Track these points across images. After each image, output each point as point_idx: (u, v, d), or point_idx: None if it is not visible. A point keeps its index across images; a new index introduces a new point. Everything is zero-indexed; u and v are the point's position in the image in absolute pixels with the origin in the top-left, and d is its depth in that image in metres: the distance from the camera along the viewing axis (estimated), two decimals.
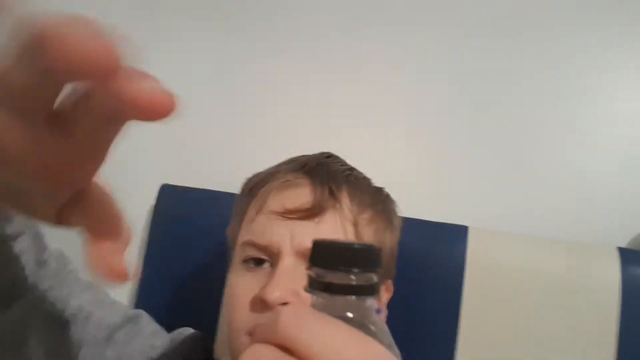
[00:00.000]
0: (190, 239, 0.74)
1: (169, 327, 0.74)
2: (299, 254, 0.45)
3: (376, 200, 0.52)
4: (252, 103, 0.87)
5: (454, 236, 0.66)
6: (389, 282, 0.55)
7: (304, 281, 0.42)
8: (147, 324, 0.58)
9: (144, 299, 0.77)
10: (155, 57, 0.85)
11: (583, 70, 0.78)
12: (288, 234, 0.46)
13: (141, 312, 0.59)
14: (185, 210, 0.77)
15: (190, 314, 0.73)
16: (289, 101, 0.86)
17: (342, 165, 0.53)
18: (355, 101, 0.83)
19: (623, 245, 0.71)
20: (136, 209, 0.84)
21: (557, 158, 0.77)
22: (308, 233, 0.45)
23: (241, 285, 0.48)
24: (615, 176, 0.74)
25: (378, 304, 0.49)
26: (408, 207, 0.69)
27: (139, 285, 0.78)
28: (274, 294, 0.42)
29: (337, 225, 0.47)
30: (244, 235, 0.50)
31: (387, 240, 0.52)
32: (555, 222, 0.74)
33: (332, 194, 0.48)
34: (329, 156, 0.54)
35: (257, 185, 0.52)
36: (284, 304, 0.42)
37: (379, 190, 0.55)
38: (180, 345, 0.56)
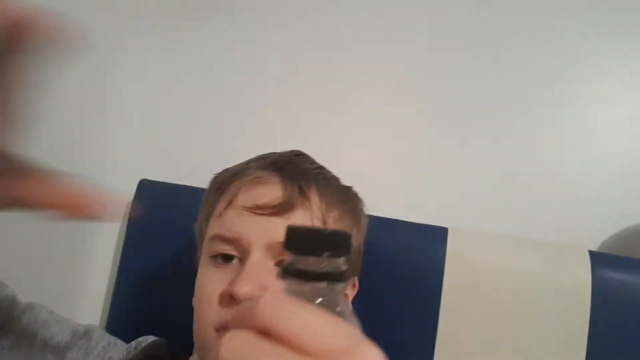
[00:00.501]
0: (169, 234, 0.74)
1: (146, 323, 0.73)
2: (268, 249, 0.46)
3: (344, 199, 0.53)
4: (232, 100, 0.86)
5: (434, 237, 0.67)
6: (355, 279, 0.56)
7: (272, 276, 0.42)
8: (100, 337, 0.57)
9: (122, 293, 0.76)
10: (134, 53, 0.85)
11: (562, 75, 0.80)
12: (258, 229, 0.46)
13: (92, 326, 0.58)
14: (164, 206, 0.76)
15: (167, 309, 0.73)
16: (268, 99, 0.85)
17: (311, 164, 0.54)
18: (336, 101, 0.83)
19: (595, 248, 0.73)
20: (114, 204, 0.82)
21: (534, 162, 0.78)
22: (277, 229, 0.45)
23: (209, 281, 0.47)
24: (591, 180, 0.77)
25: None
26: (389, 208, 0.70)
27: (115, 280, 0.77)
28: (243, 289, 0.42)
29: (306, 222, 0.47)
30: (212, 230, 0.50)
31: (355, 239, 0.53)
32: (531, 223, 0.76)
33: (302, 192, 0.49)
34: (298, 154, 0.55)
35: (226, 181, 0.52)
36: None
37: (347, 189, 0.56)
38: (139, 354, 0.55)
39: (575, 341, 0.62)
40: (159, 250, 0.74)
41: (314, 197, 0.49)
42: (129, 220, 0.78)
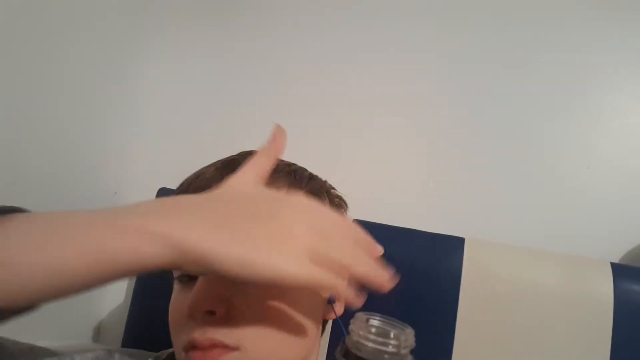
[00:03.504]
0: None
1: (163, 332, 0.74)
2: None
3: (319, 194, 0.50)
4: (253, 107, 0.87)
5: (450, 247, 0.67)
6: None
7: (232, 286, 0.40)
8: None
9: (139, 303, 0.76)
10: (152, 62, 0.86)
11: (583, 81, 0.79)
12: None
13: (111, 349, 0.54)
14: None
15: None
16: (289, 105, 0.86)
17: (281, 161, 0.50)
18: (355, 112, 0.84)
19: (616, 260, 0.72)
20: None
21: (556, 172, 0.77)
22: None
23: (175, 301, 0.45)
24: (612, 191, 0.75)
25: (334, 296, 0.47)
26: (406, 218, 0.69)
27: (134, 288, 0.78)
28: (194, 303, 0.39)
29: None
30: None
31: None
32: (551, 234, 0.75)
33: None
34: (250, 152, 0.49)
35: (184, 191, 0.49)
36: (210, 311, 0.39)
37: (319, 181, 0.53)
38: None
39: (597, 354, 0.61)
40: None
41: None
42: None
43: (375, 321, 0.36)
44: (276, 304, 0.42)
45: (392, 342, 0.34)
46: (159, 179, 0.82)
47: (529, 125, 0.79)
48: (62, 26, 0.67)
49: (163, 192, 0.79)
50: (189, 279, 0.45)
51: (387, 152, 0.81)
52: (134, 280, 0.79)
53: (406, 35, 0.84)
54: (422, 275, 0.65)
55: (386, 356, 0.23)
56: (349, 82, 0.85)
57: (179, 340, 0.42)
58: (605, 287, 0.63)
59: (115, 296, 0.82)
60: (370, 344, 0.33)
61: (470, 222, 0.76)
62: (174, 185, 0.81)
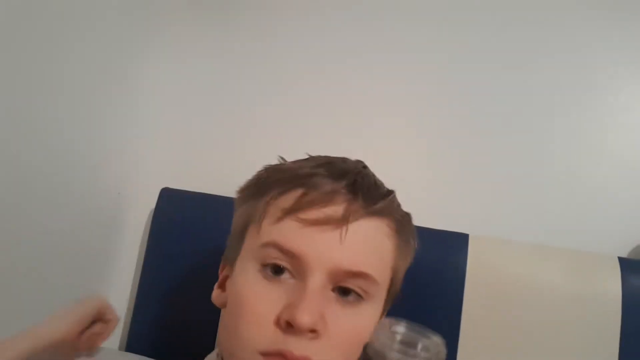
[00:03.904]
0: (190, 242, 0.74)
1: (167, 332, 0.74)
2: (329, 274, 0.42)
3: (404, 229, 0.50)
4: (254, 107, 0.87)
5: (455, 244, 0.66)
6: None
7: (330, 304, 0.41)
8: None
9: (143, 302, 0.76)
10: (155, 61, 0.86)
11: (587, 78, 0.78)
12: (324, 250, 0.42)
13: None
14: (185, 214, 0.76)
15: (189, 318, 0.73)
16: (290, 105, 0.86)
17: (373, 177, 0.50)
18: (355, 111, 0.83)
19: (624, 254, 0.71)
20: (137, 212, 0.84)
21: (559, 167, 0.77)
22: (343, 255, 0.42)
23: (260, 297, 0.42)
24: (617, 185, 0.74)
25: None
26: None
27: (138, 289, 0.78)
28: (305, 318, 0.39)
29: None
30: (268, 235, 0.44)
31: (403, 264, 0.50)
32: (556, 230, 0.74)
33: (374, 212, 0.45)
34: (365, 167, 0.50)
35: (287, 182, 0.46)
36: (313, 330, 0.40)
37: (406, 215, 0.52)
38: None
39: (605, 351, 0.60)
40: (181, 258, 0.74)
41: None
42: (151, 229, 0.79)
43: (400, 328, 0.33)
44: (358, 328, 0.42)
45: (423, 354, 0.31)
46: (162, 179, 0.82)
47: (533, 121, 0.79)
48: (62, 26, 0.67)
49: (166, 192, 0.79)
50: (274, 272, 0.43)
51: (387, 152, 0.81)
52: (137, 280, 0.79)
53: (406, 35, 0.84)
54: (427, 272, 0.64)
55: None
56: (349, 82, 0.84)
57: (255, 340, 0.41)
58: (613, 283, 0.62)
59: (120, 296, 0.82)
60: (395, 355, 0.31)
61: (474, 220, 0.75)
62: (176, 185, 0.81)
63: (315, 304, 0.40)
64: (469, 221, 0.72)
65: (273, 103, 0.86)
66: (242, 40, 0.89)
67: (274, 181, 0.47)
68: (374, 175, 0.50)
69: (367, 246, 0.44)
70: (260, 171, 0.51)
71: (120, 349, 0.78)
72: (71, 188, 0.71)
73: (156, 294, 0.75)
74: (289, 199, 0.44)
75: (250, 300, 0.43)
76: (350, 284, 0.43)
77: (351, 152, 0.52)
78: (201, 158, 0.87)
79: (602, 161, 0.76)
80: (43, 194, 0.65)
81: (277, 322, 0.40)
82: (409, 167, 0.80)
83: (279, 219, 0.44)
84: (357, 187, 0.45)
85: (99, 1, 0.72)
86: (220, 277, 0.52)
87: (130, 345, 0.76)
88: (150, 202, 0.80)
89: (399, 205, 0.50)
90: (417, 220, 0.69)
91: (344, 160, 0.50)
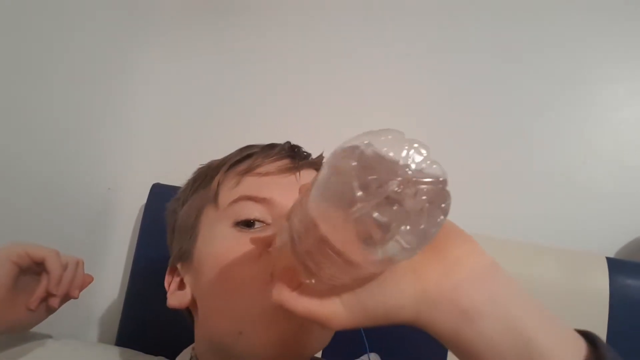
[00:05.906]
0: None
1: (159, 326, 0.73)
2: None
3: None
4: (246, 104, 0.86)
5: None
6: None
7: None
8: None
9: (134, 297, 0.76)
10: (146, 58, 0.85)
11: (577, 78, 0.79)
12: (286, 189, 0.43)
13: None
14: None
15: (180, 314, 0.73)
16: (281, 102, 0.85)
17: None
18: (354, 105, 0.83)
19: (612, 254, 0.72)
20: (127, 208, 0.83)
21: (550, 166, 0.77)
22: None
23: (246, 264, 0.41)
24: (607, 185, 0.75)
25: None
26: None
27: (129, 283, 0.77)
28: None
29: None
30: (234, 195, 0.44)
31: None
32: (546, 229, 0.75)
33: (309, 161, 0.50)
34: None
35: (228, 164, 0.48)
36: None
37: None
38: None
39: None
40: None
41: None
42: (142, 225, 0.78)
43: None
44: None
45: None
46: (153, 175, 0.82)
47: (524, 120, 0.79)
48: (61, 25, 0.66)
49: (157, 188, 0.78)
50: (248, 227, 0.43)
51: None
52: (127, 276, 0.78)
53: (406, 34, 0.84)
54: None
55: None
56: (349, 81, 0.84)
57: (260, 303, 0.39)
58: (601, 282, 0.63)
59: (110, 292, 0.82)
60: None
61: (466, 218, 0.76)
62: (167, 181, 0.81)
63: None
64: (462, 220, 0.73)
65: (271, 102, 0.86)
66: (241, 40, 0.88)
67: (217, 165, 0.49)
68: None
69: None
70: (195, 171, 0.53)
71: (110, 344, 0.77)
72: (61, 183, 0.70)
73: (147, 290, 0.74)
74: (242, 166, 0.47)
75: (238, 267, 0.41)
76: None
77: None
78: (192, 154, 0.86)
79: (594, 161, 0.77)
80: (33, 189, 0.65)
81: (264, 282, 0.38)
82: None
83: (239, 181, 0.46)
84: (294, 147, 0.50)
85: (99, 1, 0.71)
86: (173, 282, 0.51)
87: (120, 341, 0.75)
88: (141, 198, 0.80)
89: None
90: None
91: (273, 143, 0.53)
